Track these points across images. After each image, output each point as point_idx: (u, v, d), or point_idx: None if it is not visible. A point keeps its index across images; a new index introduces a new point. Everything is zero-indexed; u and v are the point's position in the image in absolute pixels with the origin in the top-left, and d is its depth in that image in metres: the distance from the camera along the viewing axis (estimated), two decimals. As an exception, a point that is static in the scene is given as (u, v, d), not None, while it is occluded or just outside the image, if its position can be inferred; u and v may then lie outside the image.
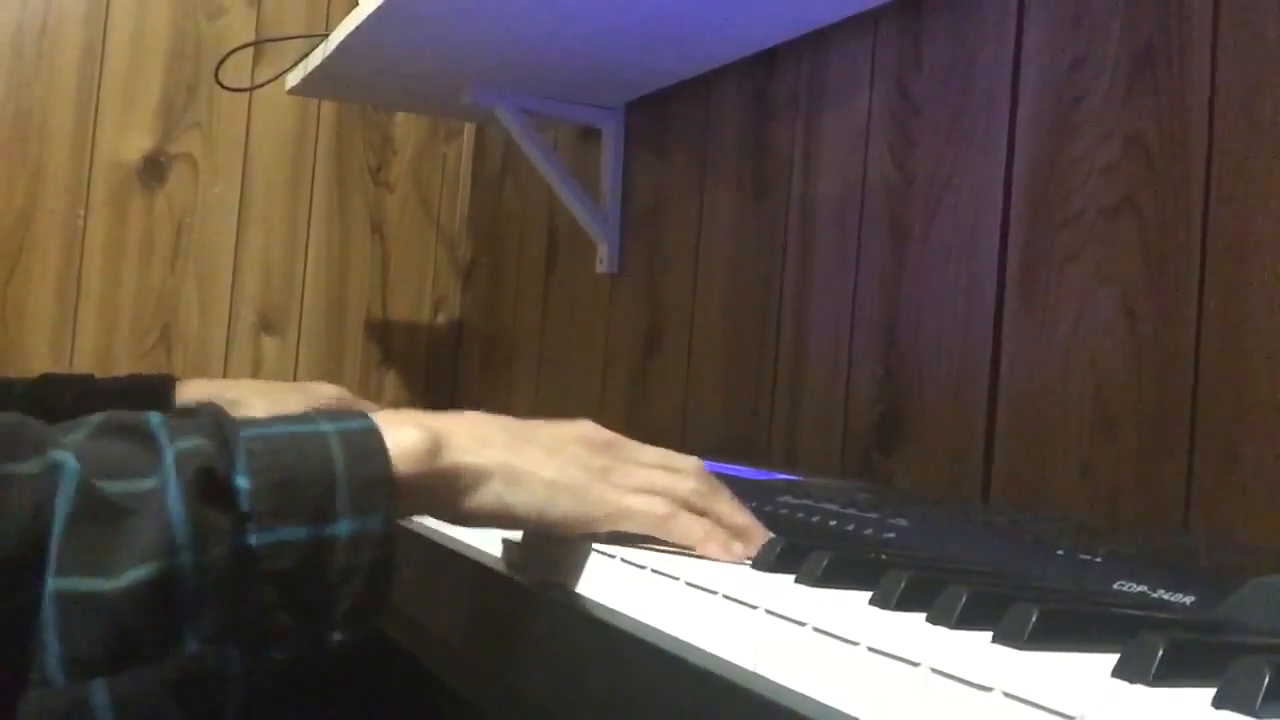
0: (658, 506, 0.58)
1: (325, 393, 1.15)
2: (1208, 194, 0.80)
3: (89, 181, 1.85)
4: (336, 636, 0.51)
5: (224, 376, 1.92)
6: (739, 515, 0.60)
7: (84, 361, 1.84)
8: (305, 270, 1.99)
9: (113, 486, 0.48)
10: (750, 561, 0.56)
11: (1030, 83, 0.96)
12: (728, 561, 0.56)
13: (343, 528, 0.50)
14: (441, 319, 2.10)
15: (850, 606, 0.43)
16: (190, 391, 1.14)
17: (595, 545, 0.58)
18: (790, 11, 1.19)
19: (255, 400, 1.14)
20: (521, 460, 0.57)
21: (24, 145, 1.82)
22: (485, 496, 0.56)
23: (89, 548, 0.46)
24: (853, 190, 1.15)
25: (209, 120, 1.92)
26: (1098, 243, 0.88)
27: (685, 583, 0.49)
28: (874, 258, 1.11)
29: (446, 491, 0.56)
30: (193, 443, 0.50)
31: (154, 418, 0.51)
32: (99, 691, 0.46)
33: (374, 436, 0.53)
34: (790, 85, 1.27)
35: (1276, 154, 0.76)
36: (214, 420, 0.52)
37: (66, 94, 1.84)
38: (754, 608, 0.44)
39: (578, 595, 0.56)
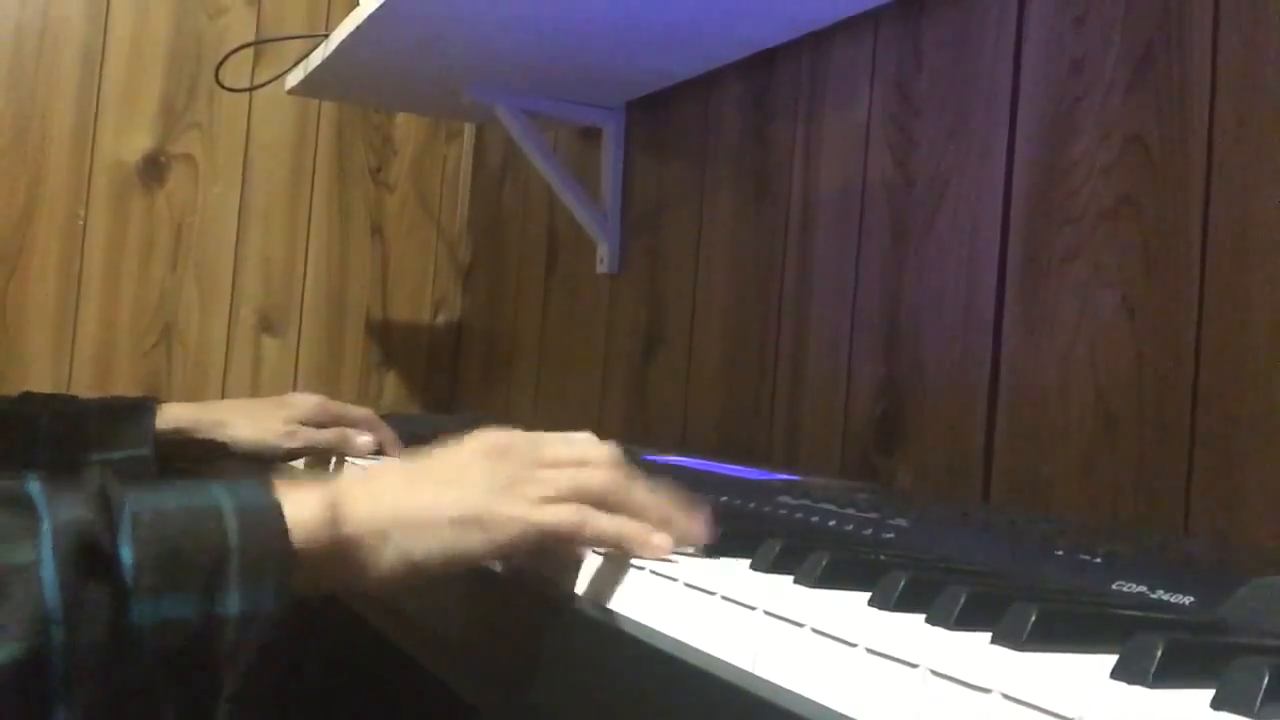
0: (568, 515, 0.56)
1: (306, 404, 1.14)
2: (1208, 194, 0.80)
3: (89, 181, 1.85)
4: (225, 708, 0.50)
5: (224, 376, 1.92)
6: (655, 504, 0.58)
7: (84, 361, 1.84)
8: (305, 270, 1.99)
9: None
10: (693, 549, 0.56)
11: (1030, 83, 0.96)
12: (651, 558, 0.54)
13: (233, 603, 0.49)
14: (441, 319, 2.10)
15: (849, 607, 0.43)
16: (170, 414, 1.13)
17: (595, 547, 0.58)
18: (790, 12, 1.19)
19: (238, 420, 1.13)
20: (419, 505, 0.55)
21: (24, 145, 1.82)
22: (387, 557, 0.54)
23: None
24: (853, 191, 1.15)
25: (209, 120, 1.92)
26: (1098, 243, 0.88)
27: (684, 584, 0.49)
28: (874, 258, 1.11)
29: (348, 560, 0.54)
30: (73, 514, 0.48)
31: (33, 486, 0.49)
32: None
33: (271, 508, 0.51)
34: (790, 86, 1.27)
35: (1276, 154, 0.76)
36: (99, 489, 0.50)
37: (67, 94, 1.84)
38: (753, 608, 0.44)
39: (577, 597, 0.56)
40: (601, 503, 0.57)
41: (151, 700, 0.48)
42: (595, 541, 0.56)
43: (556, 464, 0.59)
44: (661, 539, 0.55)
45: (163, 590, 0.47)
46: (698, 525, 0.56)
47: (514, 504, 0.56)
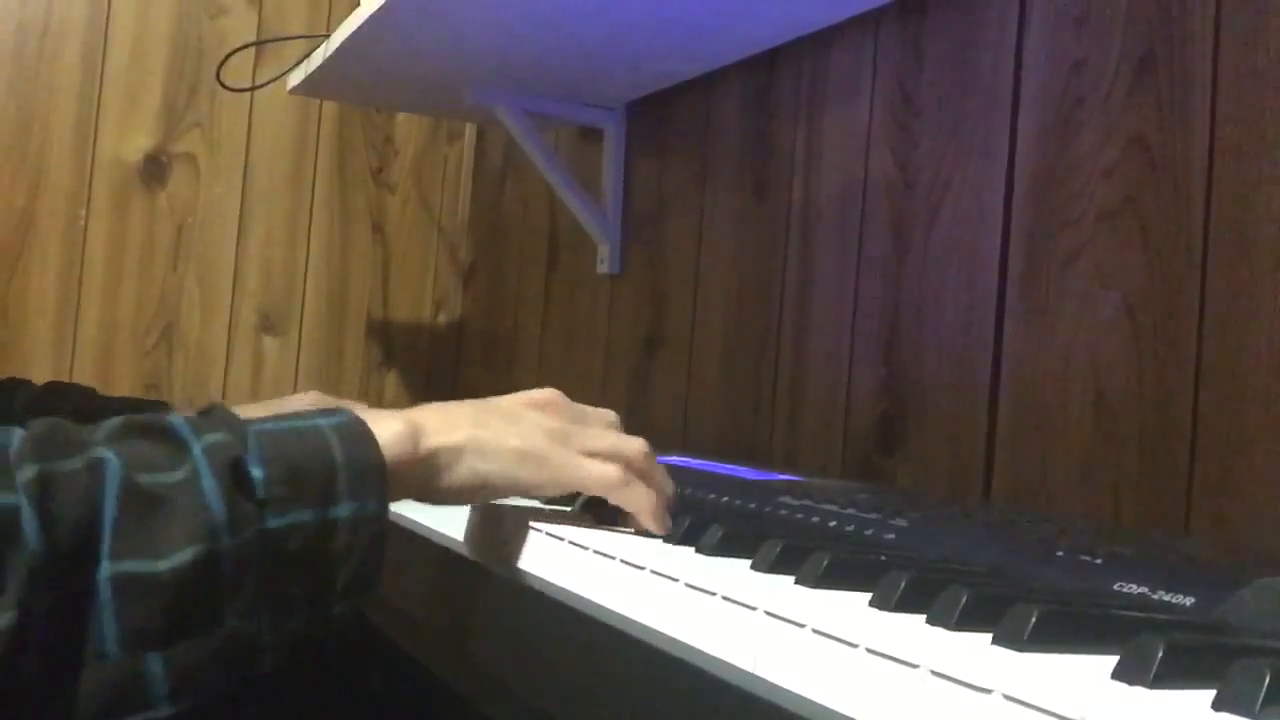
0: (614, 473, 0.64)
1: (301, 403, 1.19)
2: (1209, 195, 0.80)
3: (90, 181, 1.85)
4: (338, 607, 0.56)
5: (225, 376, 1.92)
6: (669, 484, 0.67)
7: (85, 361, 1.84)
8: (306, 270, 1.99)
9: (149, 479, 0.52)
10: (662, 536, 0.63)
11: (1032, 84, 0.96)
12: (657, 534, 0.63)
13: (344, 510, 0.56)
14: (442, 319, 2.10)
15: (850, 608, 0.43)
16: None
17: (595, 547, 0.58)
18: (791, 12, 1.19)
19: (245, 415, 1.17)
20: (488, 433, 0.63)
21: (25, 145, 1.82)
22: (461, 471, 0.62)
23: (138, 534, 0.51)
24: (854, 191, 1.15)
25: (210, 120, 1.92)
26: (1099, 244, 0.88)
27: (685, 584, 0.49)
28: (875, 258, 1.11)
29: (428, 472, 0.61)
30: (218, 437, 0.55)
31: (174, 418, 0.56)
32: (155, 663, 0.51)
33: (364, 428, 0.58)
34: (791, 86, 1.27)
35: (1277, 155, 0.76)
36: (228, 418, 0.57)
37: (68, 94, 1.84)
38: (753, 609, 0.44)
39: (577, 596, 0.56)
40: (636, 468, 0.65)
41: (286, 596, 0.55)
42: (629, 503, 0.64)
43: (600, 426, 0.68)
44: (670, 521, 0.64)
45: (289, 501, 0.54)
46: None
47: (569, 451, 0.64)
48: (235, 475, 0.53)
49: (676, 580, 0.50)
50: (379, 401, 2.02)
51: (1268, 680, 0.31)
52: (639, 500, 0.64)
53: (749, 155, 1.33)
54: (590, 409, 0.69)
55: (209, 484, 0.53)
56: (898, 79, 1.11)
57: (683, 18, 1.24)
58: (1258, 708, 0.31)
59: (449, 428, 0.62)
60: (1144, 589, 0.48)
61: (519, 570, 0.63)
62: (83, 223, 1.85)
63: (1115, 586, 0.49)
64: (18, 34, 1.81)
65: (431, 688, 0.76)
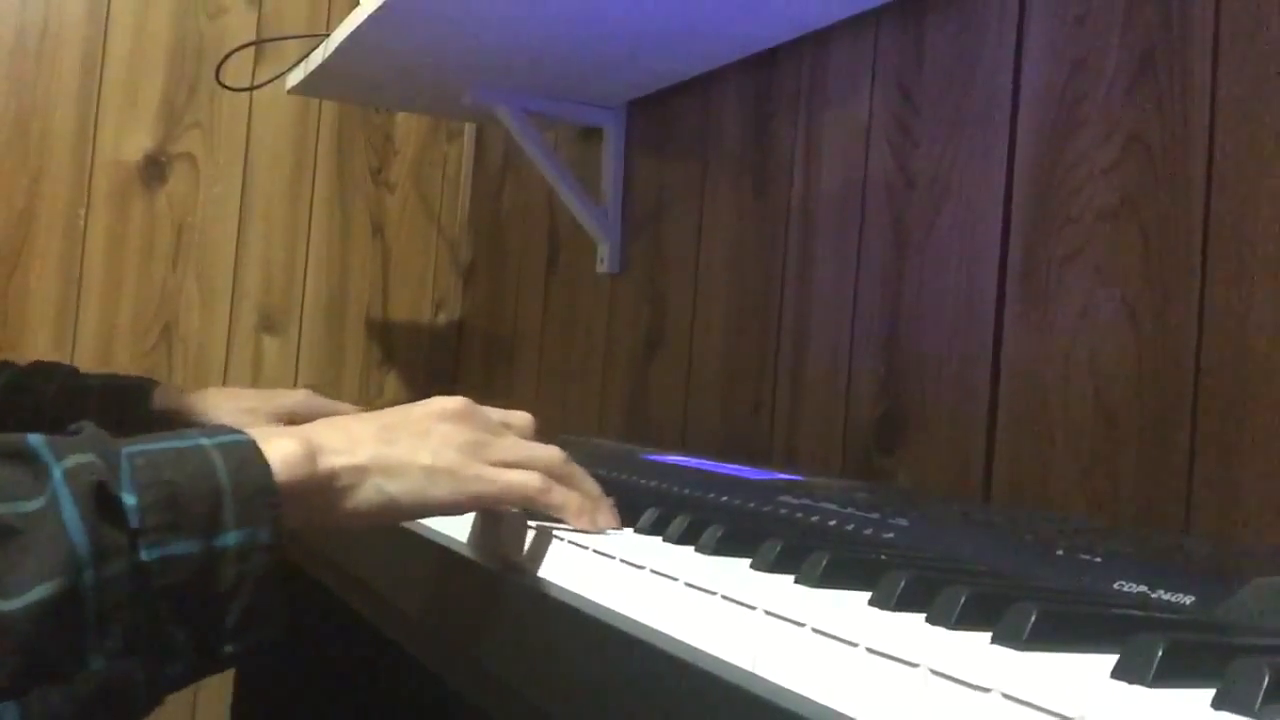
0: (533, 480, 0.62)
1: (293, 397, 1.17)
2: (1209, 194, 0.80)
3: (90, 181, 1.85)
4: (229, 649, 0.52)
5: (225, 376, 1.92)
6: (592, 484, 0.65)
7: (85, 360, 1.84)
8: (306, 270, 1.99)
9: (4, 508, 0.47)
10: (609, 530, 0.63)
11: (1031, 83, 0.96)
12: (590, 532, 0.62)
13: (230, 539, 0.51)
14: (442, 319, 2.10)
15: (850, 607, 0.43)
16: (163, 397, 1.19)
17: (595, 547, 0.58)
18: (791, 11, 1.19)
19: (222, 403, 1.17)
20: (395, 450, 0.59)
21: (25, 145, 1.82)
22: (366, 492, 0.58)
23: None
24: (853, 190, 1.15)
25: (210, 120, 1.92)
26: (1098, 243, 0.88)
27: (685, 583, 0.49)
28: (875, 258, 1.11)
29: (328, 495, 0.57)
30: (82, 459, 0.50)
31: (33, 438, 0.51)
32: (8, 713, 0.46)
33: (253, 449, 0.54)
34: (791, 85, 1.27)
35: (1277, 155, 0.76)
36: (96, 437, 0.52)
37: (67, 93, 1.84)
38: (753, 608, 0.44)
39: (578, 596, 0.56)
40: (554, 474, 0.63)
41: (164, 637, 0.50)
42: (550, 507, 0.62)
43: (510, 432, 0.65)
44: (604, 518, 0.63)
45: (166, 532, 0.50)
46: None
47: (483, 464, 0.61)
48: (102, 502, 0.48)
49: (676, 580, 0.50)
50: (379, 402, 2.02)
51: (1267, 679, 0.31)
52: (562, 502, 0.62)
53: (749, 155, 1.33)
54: (503, 414, 0.66)
55: (69, 512, 0.47)
56: (898, 78, 1.11)
57: (683, 18, 1.24)
58: (1257, 706, 0.31)
59: (351, 446, 0.58)
60: (1143, 588, 0.48)
61: (520, 570, 0.63)
62: (82, 222, 1.85)
63: (1115, 586, 0.49)
64: (18, 34, 1.81)
65: (432, 687, 0.76)
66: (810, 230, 1.21)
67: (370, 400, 2.01)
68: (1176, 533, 0.77)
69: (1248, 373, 0.76)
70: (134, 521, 0.49)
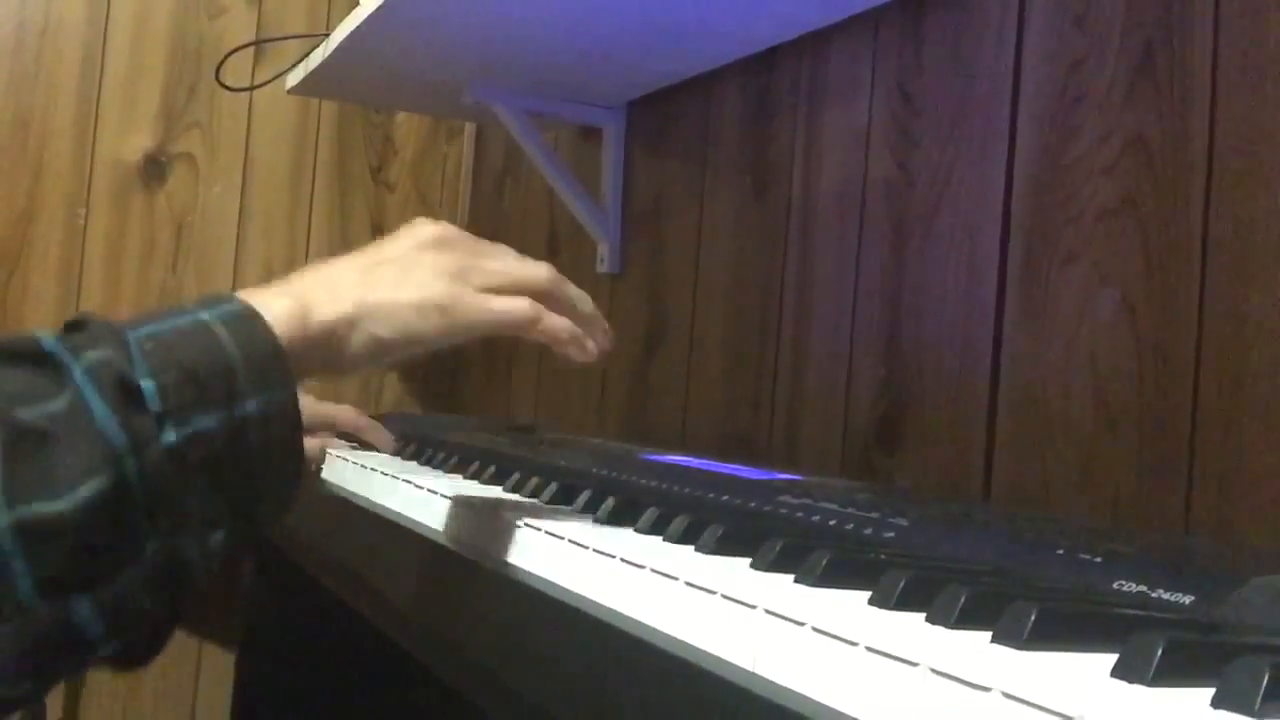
0: (523, 307, 0.61)
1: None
2: (1208, 194, 0.80)
3: (89, 181, 1.85)
4: (263, 509, 0.53)
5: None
6: (584, 302, 0.65)
7: (85, 361, 1.84)
8: (306, 270, 1.99)
9: (30, 411, 0.48)
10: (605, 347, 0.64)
11: (1031, 83, 0.96)
12: (584, 360, 0.62)
13: (251, 406, 0.52)
14: (442, 319, 2.10)
15: (849, 606, 0.43)
16: None
17: (595, 546, 0.58)
18: (790, 11, 1.19)
19: None
20: (380, 293, 0.59)
21: (25, 145, 1.82)
22: (359, 339, 0.58)
23: (29, 474, 0.46)
24: (853, 190, 1.15)
25: (209, 120, 1.92)
26: (1098, 243, 0.88)
27: (685, 583, 0.49)
28: (874, 257, 1.11)
29: (325, 349, 0.58)
30: (100, 354, 0.50)
31: (44, 338, 0.51)
32: (82, 605, 0.48)
33: (252, 314, 0.54)
34: (791, 85, 1.27)
35: (1277, 154, 0.76)
36: (104, 328, 0.52)
37: (67, 93, 1.84)
38: (753, 607, 0.44)
39: (579, 595, 0.56)
40: (547, 295, 0.62)
41: (205, 509, 0.51)
42: (544, 334, 0.61)
43: (500, 254, 0.64)
44: (593, 345, 0.63)
45: (189, 410, 0.50)
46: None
47: (469, 293, 0.60)
48: (126, 392, 0.49)
49: (676, 579, 0.50)
50: (378, 402, 2.02)
51: (1267, 678, 0.31)
52: (553, 330, 0.62)
53: (749, 155, 1.33)
54: (493, 244, 0.65)
55: (99, 408, 0.48)
56: (897, 78, 1.11)
57: (683, 18, 1.24)
58: (1257, 706, 0.31)
59: (335, 295, 0.58)
60: (1143, 587, 0.48)
61: (520, 569, 0.63)
62: (82, 222, 1.85)
63: (1115, 585, 0.49)
64: (18, 34, 1.81)
65: (432, 688, 0.76)
66: (810, 230, 1.21)
67: (371, 401, 2.01)
68: (1176, 533, 0.77)
69: (1248, 372, 0.76)
70: (156, 405, 0.50)
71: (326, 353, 0.58)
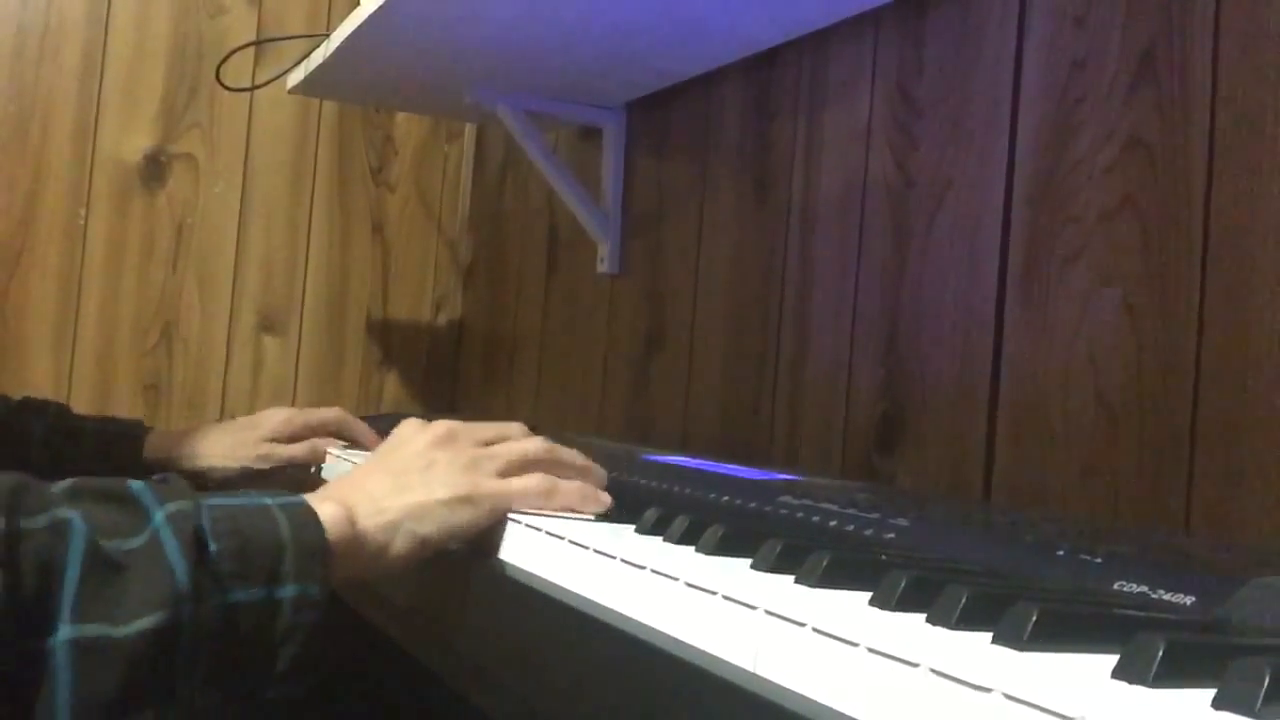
0: (537, 483, 0.67)
1: (274, 420, 1.20)
2: (1209, 194, 0.80)
3: (90, 181, 1.85)
4: (271, 692, 0.56)
5: (225, 376, 1.92)
6: (575, 457, 0.70)
7: (84, 361, 1.84)
8: (306, 270, 1.99)
9: (112, 544, 0.52)
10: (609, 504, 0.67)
11: (1031, 83, 0.96)
12: (598, 510, 0.67)
13: (288, 591, 0.56)
14: (442, 319, 2.10)
15: (850, 607, 0.43)
16: (153, 444, 1.19)
17: (595, 547, 0.58)
18: (791, 11, 1.19)
19: (212, 450, 1.20)
20: (414, 496, 0.64)
21: (25, 145, 1.82)
22: (401, 542, 0.63)
23: (99, 599, 0.50)
24: (853, 190, 1.15)
25: (210, 120, 1.92)
26: (1099, 243, 0.88)
27: (685, 583, 0.49)
28: (875, 258, 1.11)
29: (366, 553, 0.62)
30: (181, 505, 0.55)
31: (134, 484, 0.56)
32: None
33: (309, 510, 0.59)
34: (791, 85, 1.27)
35: (1277, 155, 0.76)
36: (183, 488, 0.57)
37: (68, 93, 1.84)
38: (754, 608, 0.44)
39: (578, 596, 0.56)
40: (544, 466, 0.68)
41: (232, 674, 0.54)
42: (563, 506, 0.66)
43: (492, 441, 0.69)
44: (605, 497, 0.68)
45: (238, 578, 0.54)
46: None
47: (487, 481, 0.66)
48: (198, 544, 0.53)
49: (677, 579, 0.50)
50: (379, 402, 2.02)
51: (1268, 679, 0.31)
52: (570, 499, 0.67)
53: (749, 155, 1.33)
54: (486, 425, 0.71)
55: (173, 552, 0.52)
56: (898, 79, 1.11)
57: (683, 18, 1.24)
58: (1258, 706, 0.31)
59: (375, 504, 0.63)
60: (1144, 588, 0.48)
61: (521, 570, 0.63)
62: (82, 222, 1.85)
63: (1115, 586, 0.49)
64: (18, 34, 1.81)
65: (433, 688, 0.76)
66: (810, 230, 1.21)
67: (371, 401, 2.01)
68: (1176, 533, 0.77)
69: (1248, 372, 0.76)
70: (213, 566, 0.54)
71: (371, 555, 0.62)
